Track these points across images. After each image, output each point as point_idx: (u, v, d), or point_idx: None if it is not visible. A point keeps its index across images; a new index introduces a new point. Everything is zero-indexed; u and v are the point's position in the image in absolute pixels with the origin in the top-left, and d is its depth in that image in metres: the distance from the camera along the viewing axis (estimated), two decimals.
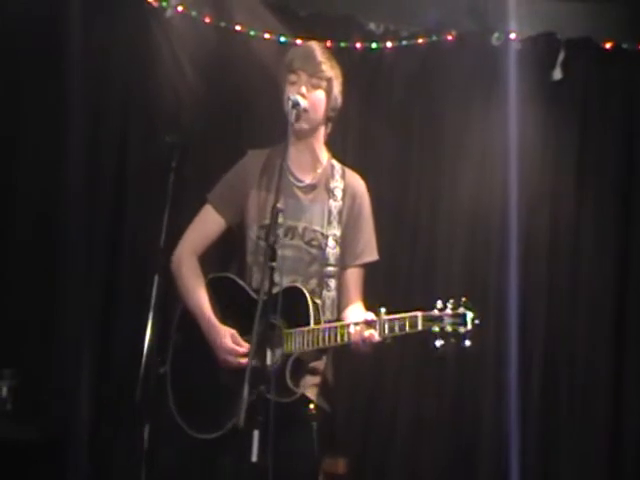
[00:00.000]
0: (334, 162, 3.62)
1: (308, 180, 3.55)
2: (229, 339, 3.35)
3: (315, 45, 3.59)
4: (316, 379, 3.45)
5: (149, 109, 4.93)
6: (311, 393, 3.41)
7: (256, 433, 2.92)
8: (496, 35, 4.91)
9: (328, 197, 3.53)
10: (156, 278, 3.97)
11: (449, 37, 4.97)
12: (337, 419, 4.45)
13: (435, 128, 5.00)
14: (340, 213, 3.51)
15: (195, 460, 3.39)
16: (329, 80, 3.50)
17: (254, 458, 2.92)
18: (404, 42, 4.98)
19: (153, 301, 3.92)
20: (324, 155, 3.61)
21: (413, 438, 4.84)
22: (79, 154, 4.80)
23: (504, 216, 4.77)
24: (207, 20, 4.95)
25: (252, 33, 4.94)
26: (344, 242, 3.51)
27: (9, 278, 4.86)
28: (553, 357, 4.85)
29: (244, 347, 3.32)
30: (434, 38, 4.98)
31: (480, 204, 4.87)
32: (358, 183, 3.61)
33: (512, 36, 4.88)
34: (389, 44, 4.97)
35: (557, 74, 4.91)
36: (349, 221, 3.53)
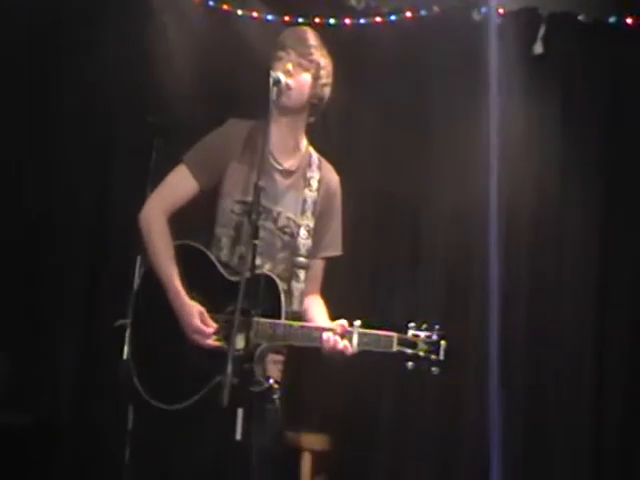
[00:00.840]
0: (312, 151, 3.61)
1: (287, 165, 3.53)
2: (198, 318, 3.31)
3: (310, 30, 3.55)
4: (278, 357, 3.44)
5: (133, 89, 4.92)
6: (273, 370, 3.41)
7: (240, 411, 2.93)
8: (477, 10, 4.92)
9: (304, 186, 3.51)
10: (138, 258, 3.98)
11: (431, 12, 4.97)
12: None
13: (417, 103, 5.01)
14: (314, 204, 3.50)
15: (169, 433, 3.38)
16: (318, 65, 3.46)
17: (238, 436, 2.93)
18: (385, 18, 4.98)
19: (136, 281, 3.92)
20: (303, 142, 3.60)
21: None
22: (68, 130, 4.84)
23: (486, 190, 4.78)
24: None
25: (238, 12, 4.93)
26: (314, 234, 3.51)
27: None
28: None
29: (212, 327, 3.31)
30: (416, 14, 4.98)
31: (462, 179, 4.87)
32: (333, 176, 3.59)
33: (494, 11, 4.88)
34: (370, 20, 4.97)
35: (538, 48, 4.93)
36: (321, 213, 3.52)
